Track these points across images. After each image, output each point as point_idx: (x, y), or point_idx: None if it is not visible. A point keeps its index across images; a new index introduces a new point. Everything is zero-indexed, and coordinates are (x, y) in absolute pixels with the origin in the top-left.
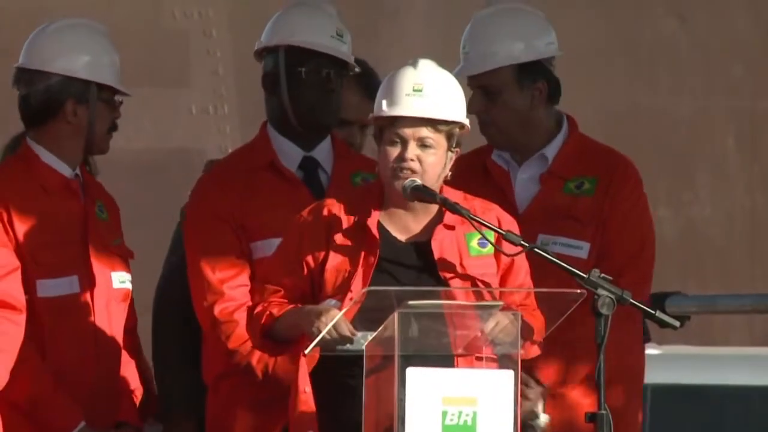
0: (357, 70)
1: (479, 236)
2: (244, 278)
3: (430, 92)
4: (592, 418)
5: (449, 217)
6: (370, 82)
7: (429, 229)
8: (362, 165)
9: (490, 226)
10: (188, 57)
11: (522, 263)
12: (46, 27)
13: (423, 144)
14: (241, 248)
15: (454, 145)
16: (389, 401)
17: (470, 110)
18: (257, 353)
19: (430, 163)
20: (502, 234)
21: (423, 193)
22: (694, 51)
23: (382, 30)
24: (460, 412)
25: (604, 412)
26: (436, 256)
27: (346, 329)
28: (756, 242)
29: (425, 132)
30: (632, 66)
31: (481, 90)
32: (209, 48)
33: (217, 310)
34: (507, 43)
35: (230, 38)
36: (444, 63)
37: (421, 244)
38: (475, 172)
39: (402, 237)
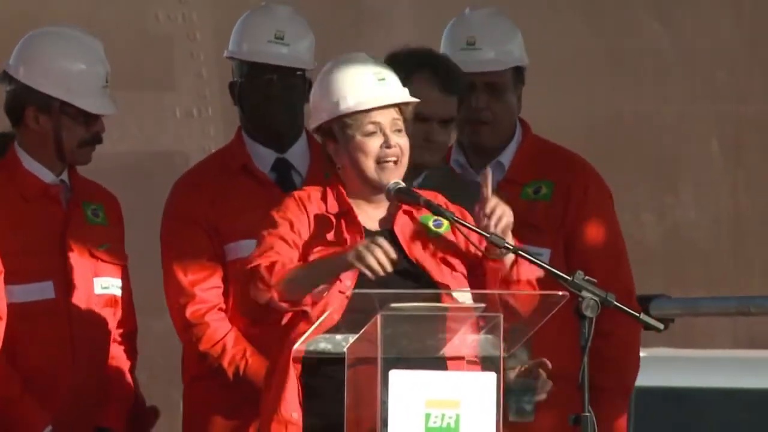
0: (303, 70)
1: (433, 218)
2: (217, 280)
3: (391, 79)
4: (576, 420)
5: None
6: (447, 77)
7: (390, 216)
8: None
9: (475, 228)
10: (172, 60)
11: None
12: (39, 30)
13: (396, 129)
14: (214, 251)
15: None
16: (371, 402)
17: (477, 105)
18: (228, 355)
19: (406, 147)
20: (486, 237)
21: (406, 195)
22: (678, 55)
23: (366, 31)
24: (443, 415)
25: (588, 414)
26: (402, 241)
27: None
28: (740, 246)
29: (396, 115)
30: (616, 71)
31: (487, 87)
32: (193, 51)
33: (188, 311)
34: (515, 43)
35: (214, 41)
36: None
37: (388, 232)
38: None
39: (370, 226)
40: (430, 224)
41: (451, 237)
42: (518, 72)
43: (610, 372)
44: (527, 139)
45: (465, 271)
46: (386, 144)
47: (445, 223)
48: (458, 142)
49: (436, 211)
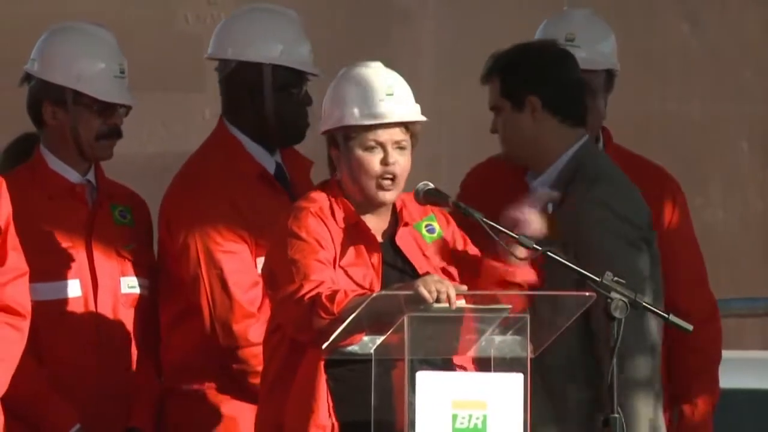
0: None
1: (425, 224)
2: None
3: (401, 94)
4: (606, 422)
5: (406, 215)
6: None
7: (392, 228)
8: (309, 165)
9: (504, 230)
10: (201, 62)
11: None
12: (54, 26)
13: (399, 146)
14: (256, 265)
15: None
16: (399, 404)
17: None
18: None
19: (406, 165)
20: (515, 238)
21: (436, 197)
22: (706, 55)
23: (394, 32)
24: (470, 416)
25: (617, 415)
26: (405, 252)
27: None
28: None
29: (400, 135)
30: (644, 71)
31: None
32: None
33: (251, 332)
34: (610, 46)
35: None
36: (456, 64)
37: (392, 244)
38: (514, 188)
39: (377, 237)
40: (424, 231)
41: (445, 244)
42: (609, 75)
43: (704, 383)
44: (611, 146)
45: (459, 280)
46: (384, 161)
47: (438, 229)
48: None
49: (466, 212)
